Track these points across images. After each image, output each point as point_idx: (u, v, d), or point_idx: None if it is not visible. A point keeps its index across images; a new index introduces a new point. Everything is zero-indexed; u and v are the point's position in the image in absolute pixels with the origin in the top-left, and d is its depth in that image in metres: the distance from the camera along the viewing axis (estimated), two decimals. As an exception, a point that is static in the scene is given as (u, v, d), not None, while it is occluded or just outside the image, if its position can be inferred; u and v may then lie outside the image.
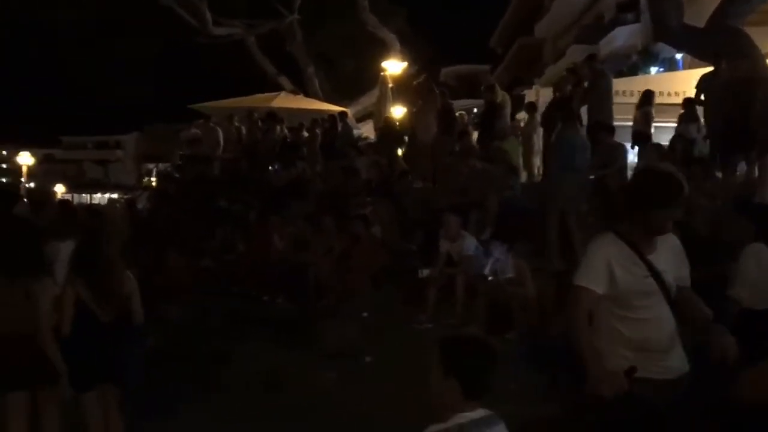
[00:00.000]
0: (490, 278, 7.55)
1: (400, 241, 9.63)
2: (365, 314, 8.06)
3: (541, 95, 15.33)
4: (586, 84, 10.73)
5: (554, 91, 12.26)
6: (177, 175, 14.93)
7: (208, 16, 20.68)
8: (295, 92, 21.21)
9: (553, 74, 23.55)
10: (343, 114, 15.30)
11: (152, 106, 44.07)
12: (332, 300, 8.68)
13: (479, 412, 2.31)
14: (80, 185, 53.05)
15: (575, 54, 20.39)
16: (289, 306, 8.90)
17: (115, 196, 48.11)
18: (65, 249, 4.68)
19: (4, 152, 61.39)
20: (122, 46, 23.75)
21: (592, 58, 11.46)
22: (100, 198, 49.90)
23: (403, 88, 17.72)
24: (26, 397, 3.93)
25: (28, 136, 52.61)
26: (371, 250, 9.10)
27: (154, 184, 37.37)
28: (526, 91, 18.57)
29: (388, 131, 13.32)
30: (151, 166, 48.42)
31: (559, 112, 9.47)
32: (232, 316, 8.45)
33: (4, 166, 60.68)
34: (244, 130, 15.57)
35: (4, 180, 54.70)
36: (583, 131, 9.11)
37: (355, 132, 16.29)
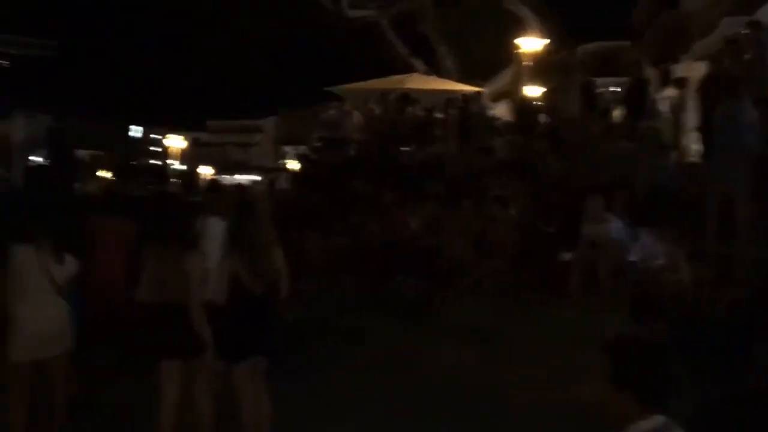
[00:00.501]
0: (637, 264, 7.09)
1: (538, 224, 9.29)
2: (500, 297, 7.85)
3: (693, 70, 14.20)
4: (747, 56, 9.76)
5: (710, 65, 11.27)
6: (314, 157, 15.29)
7: (345, -1, 20.97)
8: (428, 73, 21.05)
9: (704, 48, 21.82)
10: (477, 94, 14.99)
11: (289, 89, 45.53)
12: (467, 282, 8.53)
13: (656, 420, 2.04)
14: (224, 167, 55.99)
15: (729, 27, 18.73)
16: (422, 286, 8.84)
17: (256, 177, 50.40)
18: (214, 225, 4.84)
19: (157, 136, 66.16)
20: (260, 31, 24.51)
21: (756, 26, 10.39)
22: (242, 179, 52.46)
23: (539, 66, 17.09)
24: (179, 365, 4.10)
25: (178, 121, 56.29)
26: (507, 232, 8.85)
27: (291, 166, 38.84)
28: (673, 66, 17.33)
29: (525, 110, 12.89)
30: (288, 148, 50.35)
31: (722, 86, 8.63)
32: (366, 294, 8.53)
33: (158, 149, 65.39)
34: (378, 111, 15.65)
35: (157, 162, 59.05)
36: (750, 107, 8.26)
37: (490, 112, 15.92)
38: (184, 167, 46.72)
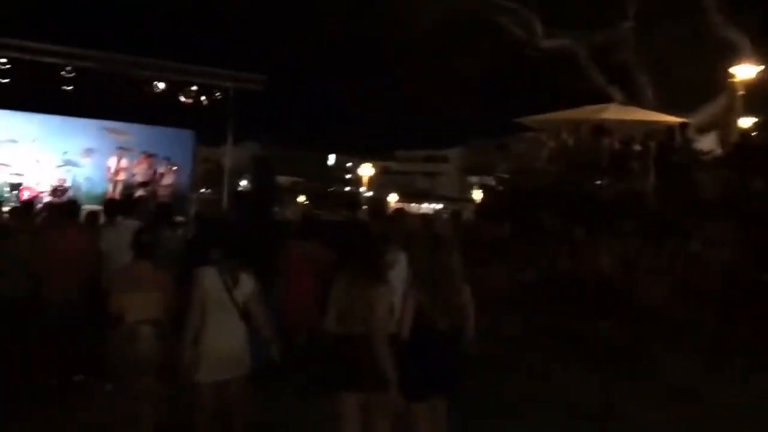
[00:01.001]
0: None
1: (752, 270, 8.30)
2: (708, 352, 7.06)
3: None
4: None
5: None
6: (500, 188, 15.04)
7: (539, 28, 20.59)
8: (626, 103, 19.98)
9: None
10: (683, 125, 13.90)
11: (478, 120, 45.72)
12: (665, 328, 7.80)
13: None
14: (410, 195, 57.31)
15: None
16: (615, 329, 8.23)
17: (440, 206, 50.95)
18: (401, 257, 4.80)
19: (350, 164, 69.56)
20: (450, 62, 24.77)
21: None
22: (426, 208, 53.22)
23: (754, 95, 15.53)
24: (360, 398, 4.06)
25: (368, 150, 58.83)
26: (715, 277, 8.00)
27: (477, 196, 38.74)
28: None
29: (740, 144, 11.70)
30: (474, 179, 50.37)
31: None
32: (553, 333, 8.11)
33: (349, 176, 68.69)
34: (571, 143, 15.08)
35: (348, 189, 61.94)
36: None
37: (696, 145, 14.69)
38: (372, 194, 48.59)
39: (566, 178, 13.02)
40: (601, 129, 14.05)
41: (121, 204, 7.48)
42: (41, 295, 6.26)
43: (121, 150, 15.12)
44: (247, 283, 4.48)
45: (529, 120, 17.55)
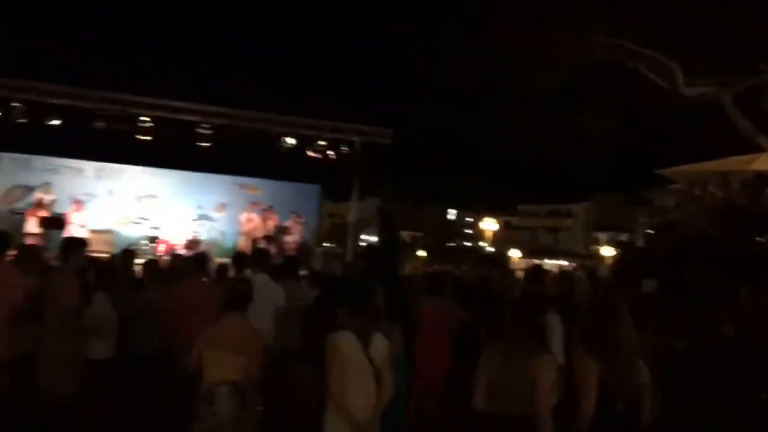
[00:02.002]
0: None
1: None
2: None
3: None
4: None
5: None
6: (640, 245, 13.93)
7: (680, 77, 19.37)
8: (778, 152, 18.23)
9: None
10: None
11: (606, 174, 43.95)
12: None
13: None
14: (533, 251, 55.64)
15: None
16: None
17: (564, 263, 49.05)
18: (556, 321, 4.18)
19: (470, 219, 68.84)
20: (579, 114, 23.81)
21: None
22: (550, 264, 51.40)
23: None
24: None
25: (489, 204, 57.94)
26: None
27: (606, 252, 36.82)
28: None
29: None
30: (602, 234, 48.22)
31: None
32: (721, 415, 7.04)
33: (469, 231, 67.90)
34: (720, 195, 13.80)
35: (468, 244, 61.16)
36: None
37: None
38: (493, 249, 47.48)
39: (723, 234, 11.79)
40: (764, 178, 12.73)
41: (250, 257, 7.33)
42: (172, 351, 6.13)
43: (252, 205, 15.48)
44: (380, 346, 4.04)
45: (670, 171, 16.35)
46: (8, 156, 15.09)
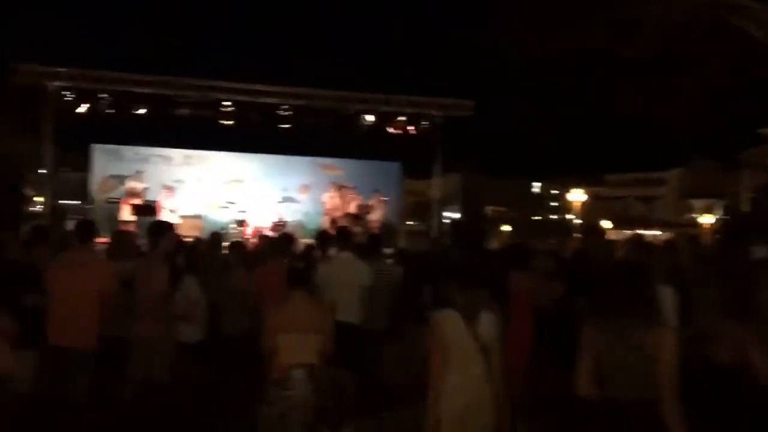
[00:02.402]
0: None
1: None
2: None
3: None
4: None
5: None
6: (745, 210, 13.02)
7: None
8: None
9: None
10: None
11: (699, 138, 41.61)
12: None
13: None
14: (624, 222, 53.74)
15: None
16: None
17: (658, 232, 47.06)
18: (668, 293, 3.81)
19: (556, 191, 67.03)
20: (673, 76, 22.47)
21: None
22: (644, 235, 49.36)
23: None
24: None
25: (576, 175, 56.11)
26: None
27: (704, 221, 35.06)
28: None
29: None
30: (698, 202, 45.94)
31: None
32: None
33: (554, 203, 66.15)
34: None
35: (554, 217, 59.64)
36: None
37: None
38: (580, 222, 46.07)
39: None
40: None
41: (333, 237, 7.22)
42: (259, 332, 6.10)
43: (334, 184, 15.48)
44: (489, 324, 3.74)
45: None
46: (99, 147, 15.62)
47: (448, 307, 3.77)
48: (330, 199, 15.17)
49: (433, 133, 15.00)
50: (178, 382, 5.27)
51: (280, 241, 6.81)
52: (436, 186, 16.38)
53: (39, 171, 14.47)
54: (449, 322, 3.69)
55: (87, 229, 5.25)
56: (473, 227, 10.50)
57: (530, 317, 5.81)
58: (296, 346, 4.29)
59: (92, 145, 15.52)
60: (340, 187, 15.50)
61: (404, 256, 8.11)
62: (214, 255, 7.14)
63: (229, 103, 14.14)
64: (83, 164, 15.67)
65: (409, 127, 14.89)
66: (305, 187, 16.09)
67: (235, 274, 6.39)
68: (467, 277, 3.89)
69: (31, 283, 4.88)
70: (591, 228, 7.59)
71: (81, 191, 15.60)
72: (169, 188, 14.55)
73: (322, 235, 7.77)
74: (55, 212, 13.60)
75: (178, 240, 6.16)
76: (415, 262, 7.22)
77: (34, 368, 4.68)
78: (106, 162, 15.47)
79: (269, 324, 4.43)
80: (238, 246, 7.43)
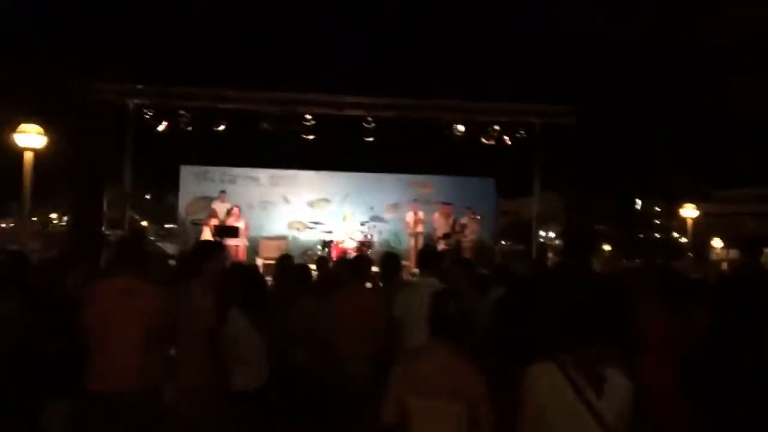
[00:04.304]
0: None
1: None
2: None
3: None
4: None
5: None
6: None
7: None
8: None
9: None
10: None
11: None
12: None
13: None
14: (737, 240, 49.98)
15: None
16: None
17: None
18: None
19: (658, 209, 63.29)
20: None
21: None
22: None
23: None
24: None
25: (682, 189, 52.62)
26: None
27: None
28: None
29: None
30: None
31: None
32: None
33: (658, 221, 62.46)
34: None
35: (658, 235, 56.16)
36: None
37: None
38: (686, 240, 42.90)
39: None
40: None
41: (420, 258, 6.13)
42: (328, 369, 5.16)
43: (416, 202, 14.57)
44: (618, 390, 2.63)
45: None
46: (188, 169, 15.46)
47: (549, 360, 2.67)
48: (413, 217, 14.19)
49: (531, 143, 13.72)
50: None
51: (354, 264, 5.80)
52: (534, 202, 15.06)
53: (119, 190, 14.28)
54: (548, 380, 2.59)
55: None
56: (584, 250, 9.16)
57: (672, 367, 4.48)
58: (433, 416, 3.11)
59: (181, 166, 15.44)
60: (425, 205, 14.55)
61: (505, 274, 6.63)
62: (281, 281, 6.20)
63: (309, 116, 13.47)
64: (164, 184, 15.49)
65: (504, 137, 13.65)
66: (393, 206, 15.39)
67: (301, 303, 5.45)
68: (580, 317, 2.74)
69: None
70: (752, 244, 6.18)
71: (162, 212, 15.42)
72: (236, 208, 13.98)
73: (388, 260, 6.45)
74: (134, 233, 13.30)
75: (228, 263, 5.27)
76: (522, 285, 5.85)
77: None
78: (194, 183, 15.27)
79: (397, 381, 3.23)
80: (302, 271, 6.28)
